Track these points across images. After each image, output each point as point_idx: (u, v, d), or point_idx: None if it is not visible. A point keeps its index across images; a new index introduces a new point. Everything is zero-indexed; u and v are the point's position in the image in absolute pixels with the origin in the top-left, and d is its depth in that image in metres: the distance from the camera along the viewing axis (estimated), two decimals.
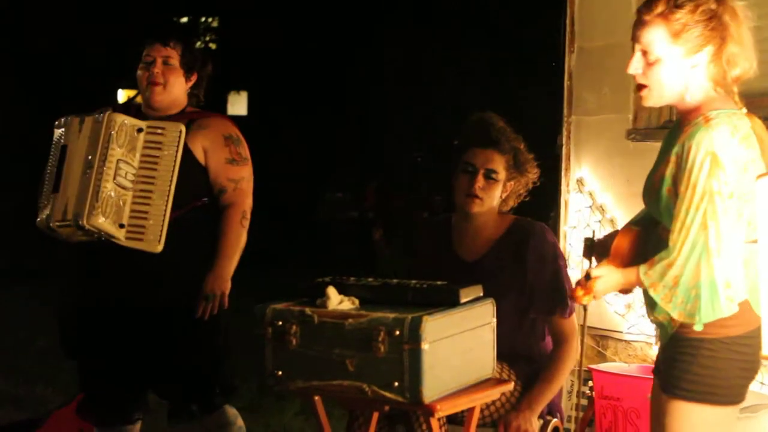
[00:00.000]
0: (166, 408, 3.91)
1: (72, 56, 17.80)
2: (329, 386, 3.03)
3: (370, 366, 2.95)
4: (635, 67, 2.79)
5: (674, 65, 2.74)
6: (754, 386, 3.18)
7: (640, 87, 2.81)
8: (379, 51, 19.18)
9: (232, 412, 3.87)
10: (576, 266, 4.68)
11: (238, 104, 24.37)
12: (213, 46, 22.25)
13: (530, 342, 3.61)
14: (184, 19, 22.46)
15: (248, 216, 3.85)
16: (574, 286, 2.87)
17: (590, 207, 4.87)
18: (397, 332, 2.91)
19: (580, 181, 4.91)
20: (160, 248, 3.66)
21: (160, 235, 3.65)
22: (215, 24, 23.10)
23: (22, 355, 7.08)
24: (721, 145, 2.65)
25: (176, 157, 3.69)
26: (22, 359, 6.97)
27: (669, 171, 2.72)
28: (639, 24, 2.78)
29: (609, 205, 4.79)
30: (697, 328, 2.71)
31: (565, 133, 5.02)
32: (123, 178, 3.64)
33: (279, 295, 3.24)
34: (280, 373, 3.09)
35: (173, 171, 3.68)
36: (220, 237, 3.80)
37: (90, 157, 3.65)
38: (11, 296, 9.52)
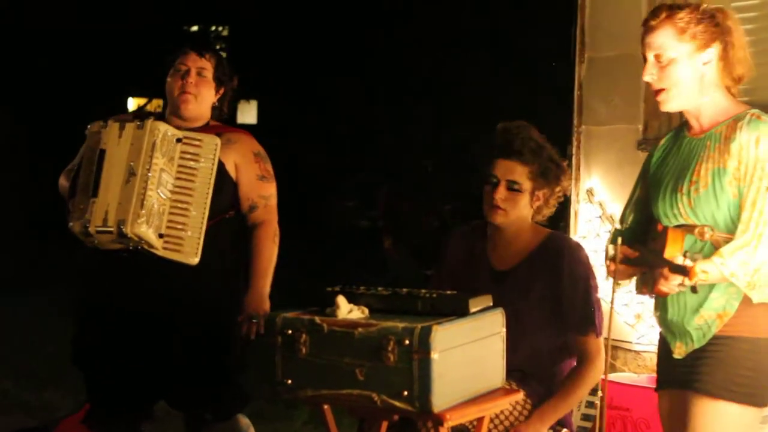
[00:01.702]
0: (174, 418, 3.91)
1: (76, 58, 17.84)
2: (339, 395, 3.03)
3: (380, 375, 2.95)
4: (650, 72, 2.88)
5: (687, 63, 2.86)
6: None
7: (658, 92, 2.90)
8: (389, 59, 19.19)
9: (244, 421, 3.87)
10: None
11: (247, 113, 24.40)
12: (223, 54, 22.30)
13: (551, 360, 3.57)
14: (195, 28, 22.51)
15: (278, 233, 3.85)
16: (672, 272, 2.76)
17: (600, 217, 4.86)
18: (407, 341, 2.91)
19: (590, 191, 4.91)
20: (196, 260, 3.65)
21: (198, 248, 3.64)
22: (225, 33, 23.15)
23: (32, 361, 7.09)
24: None
25: (213, 169, 3.69)
26: (32, 365, 6.98)
27: (730, 164, 2.80)
28: (648, 31, 2.90)
29: (619, 215, 4.79)
30: None
31: (575, 142, 5.02)
32: (164, 187, 3.64)
33: (289, 304, 3.25)
34: (290, 381, 3.09)
35: (210, 183, 3.68)
36: (255, 256, 3.79)
37: (133, 164, 3.61)
38: (21, 302, 9.53)
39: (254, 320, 3.65)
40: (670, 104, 2.90)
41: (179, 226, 3.65)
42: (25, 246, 12.71)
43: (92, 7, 17.29)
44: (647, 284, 2.93)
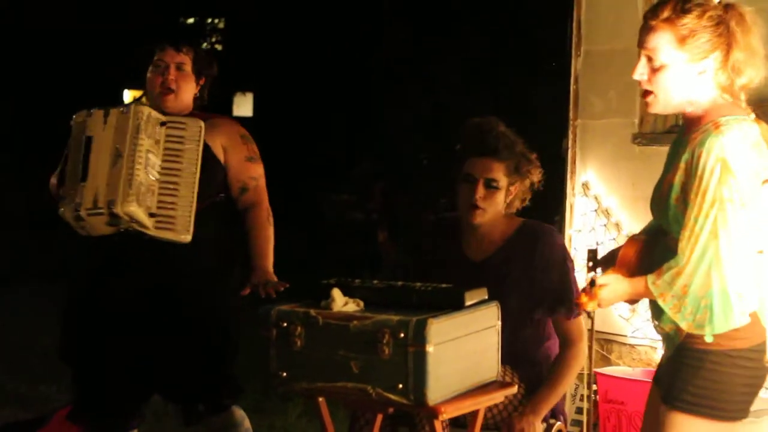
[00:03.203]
0: (170, 418, 3.90)
1: (75, 57, 17.81)
2: (333, 388, 3.03)
3: (375, 368, 2.95)
4: (640, 72, 2.74)
5: (680, 71, 2.69)
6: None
7: (646, 93, 2.76)
8: (385, 52, 19.17)
9: (239, 413, 3.87)
10: (581, 269, 4.68)
11: (243, 105, 24.38)
12: (219, 47, 22.27)
13: (534, 344, 3.60)
14: (191, 21, 22.48)
15: (271, 214, 3.88)
16: (579, 292, 2.86)
17: (595, 210, 4.87)
18: (402, 334, 2.92)
19: (585, 185, 4.91)
20: (188, 238, 3.67)
21: (189, 225, 3.67)
22: (221, 25, 23.12)
23: (27, 354, 7.08)
24: (732, 151, 2.60)
25: (198, 151, 3.72)
26: (27, 358, 6.97)
27: (678, 179, 2.68)
28: (645, 29, 2.72)
29: (614, 208, 4.79)
30: (708, 339, 2.65)
31: (570, 136, 5.02)
32: (152, 168, 3.67)
33: (284, 296, 3.25)
34: (285, 374, 3.09)
35: (197, 164, 3.71)
36: (254, 238, 3.82)
37: (119, 147, 3.65)
38: (16, 296, 9.53)
39: (267, 285, 3.67)
40: (656, 108, 2.76)
41: (169, 206, 3.67)
42: (20, 239, 12.69)
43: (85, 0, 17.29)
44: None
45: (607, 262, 3.01)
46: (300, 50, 20.40)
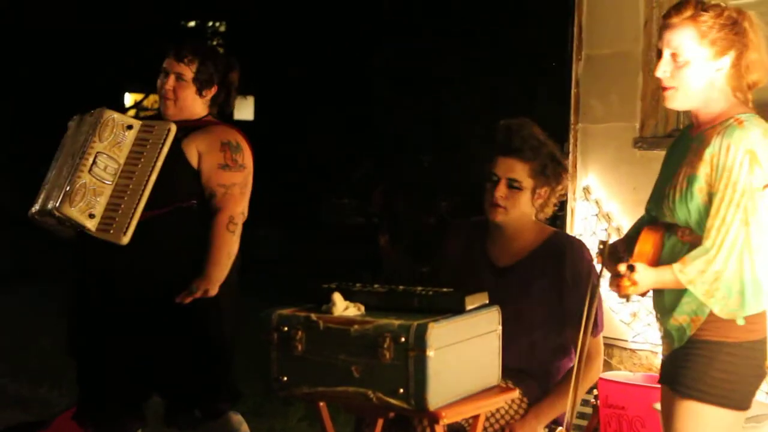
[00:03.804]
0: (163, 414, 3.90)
1: (75, 58, 17.81)
2: (334, 392, 3.03)
3: (376, 372, 2.95)
4: (664, 69, 2.87)
5: (701, 67, 2.84)
6: (759, 396, 3.19)
7: (666, 89, 2.89)
8: (386, 55, 19.17)
9: (236, 418, 3.86)
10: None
11: (244, 109, 24.39)
12: (220, 50, 22.29)
13: (547, 359, 3.57)
14: (192, 24, 22.49)
15: (237, 221, 3.84)
16: (613, 278, 2.84)
17: (596, 215, 4.86)
18: (403, 339, 2.92)
19: (586, 189, 4.91)
20: (125, 240, 3.68)
21: (127, 228, 3.67)
22: (222, 29, 23.13)
23: (27, 356, 7.09)
24: (759, 144, 2.76)
25: (159, 154, 3.72)
26: (27, 360, 6.97)
27: (702, 170, 2.79)
28: (668, 27, 2.87)
29: (615, 213, 4.79)
30: (740, 322, 2.77)
31: (571, 140, 5.02)
32: (102, 170, 3.69)
33: (285, 301, 3.25)
34: (285, 378, 3.09)
35: (153, 167, 3.72)
36: (208, 244, 3.79)
37: (73, 149, 3.74)
38: (16, 297, 9.53)
39: (191, 292, 3.67)
40: (675, 103, 2.90)
41: (115, 208, 3.70)
42: (20, 239, 12.68)
43: (88, 2, 17.28)
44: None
45: (612, 254, 3.05)
46: (301, 53, 20.41)
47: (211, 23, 22.94)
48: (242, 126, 4.08)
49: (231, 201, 3.83)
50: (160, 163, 3.71)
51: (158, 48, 3.95)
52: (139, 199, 3.69)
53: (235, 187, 3.84)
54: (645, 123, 4.78)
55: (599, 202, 4.86)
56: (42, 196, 3.76)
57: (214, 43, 22.65)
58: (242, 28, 21.82)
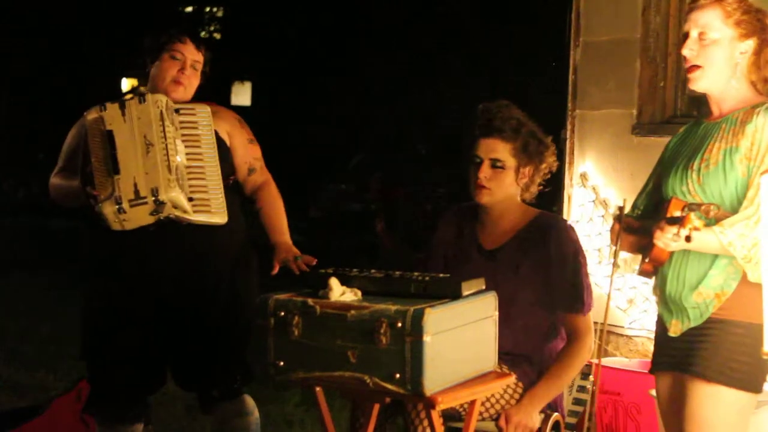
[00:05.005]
0: (177, 401, 3.87)
1: (72, 46, 17.79)
2: (331, 377, 3.03)
3: (372, 357, 2.95)
4: (691, 48, 2.95)
5: (728, 48, 2.93)
6: None
7: (692, 69, 2.95)
8: (384, 42, 19.15)
9: (251, 402, 3.87)
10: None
11: (241, 94, 24.37)
12: (217, 36, 22.24)
13: (540, 340, 3.57)
14: (189, 9, 22.45)
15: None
16: (668, 224, 2.81)
17: (593, 201, 4.87)
18: (399, 324, 2.92)
19: (583, 176, 4.91)
20: (225, 219, 3.69)
21: (224, 207, 3.69)
22: (220, 14, 23.09)
23: (24, 342, 7.09)
24: None
25: (212, 135, 3.75)
26: (24, 346, 6.97)
27: (743, 143, 2.87)
28: (696, 8, 2.97)
29: (612, 199, 4.79)
30: None
31: (569, 127, 5.02)
32: (181, 154, 3.69)
33: (281, 286, 3.25)
34: (282, 363, 3.10)
35: (214, 148, 3.74)
36: (269, 216, 3.86)
37: (147, 136, 3.64)
38: (12, 283, 9.53)
39: (296, 259, 3.66)
40: (700, 83, 2.96)
41: (202, 189, 3.69)
42: (20, 228, 12.69)
43: None
44: (647, 256, 2.94)
45: (629, 226, 3.10)
46: (298, 39, 20.39)
47: (208, 9, 22.90)
48: (239, 111, 4.08)
49: (267, 172, 3.94)
50: (215, 144, 3.74)
51: (156, 33, 3.90)
52: (219, 178, 3.71)
53: (262, 159, 3.94)
54: (642, 109, 4.78)
55: (596, 189, 4.86)
56: (125, 187, 3.58)
57: (212, 28, 22.64)
58: (239, 14, 21.79)
